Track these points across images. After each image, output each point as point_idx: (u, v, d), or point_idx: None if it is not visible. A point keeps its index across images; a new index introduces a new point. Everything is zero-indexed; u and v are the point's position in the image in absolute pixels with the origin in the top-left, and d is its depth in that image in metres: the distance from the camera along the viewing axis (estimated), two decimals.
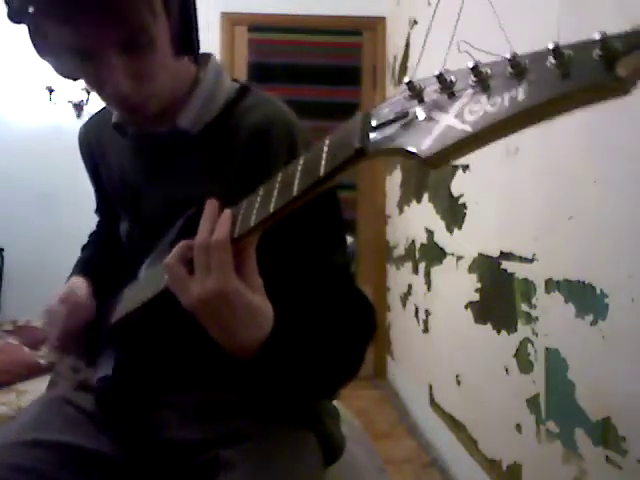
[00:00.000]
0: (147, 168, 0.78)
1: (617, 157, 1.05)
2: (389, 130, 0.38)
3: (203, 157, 0.74)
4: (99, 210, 0.99)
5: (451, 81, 0.35)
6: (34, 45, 0.68)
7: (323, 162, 0.43)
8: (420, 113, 0.37)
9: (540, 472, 1.33)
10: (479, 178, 1.75)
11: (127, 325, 0.72)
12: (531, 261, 1.37)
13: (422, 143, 0.35)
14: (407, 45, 2.69)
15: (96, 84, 0.65)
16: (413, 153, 0.36)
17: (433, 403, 2.20)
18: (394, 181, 2.97)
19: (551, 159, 1.28)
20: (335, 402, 0.87)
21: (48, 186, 3.03)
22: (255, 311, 0.54)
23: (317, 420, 0.76)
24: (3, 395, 1.82)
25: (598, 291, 1.08)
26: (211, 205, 0.54)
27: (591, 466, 1.11)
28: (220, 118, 0.75)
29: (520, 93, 0.31)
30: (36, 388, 1.73)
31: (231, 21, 3.08)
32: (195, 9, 0.70)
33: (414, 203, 2.55)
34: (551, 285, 1.26)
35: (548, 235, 1.29)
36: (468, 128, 0.33)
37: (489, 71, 0.33)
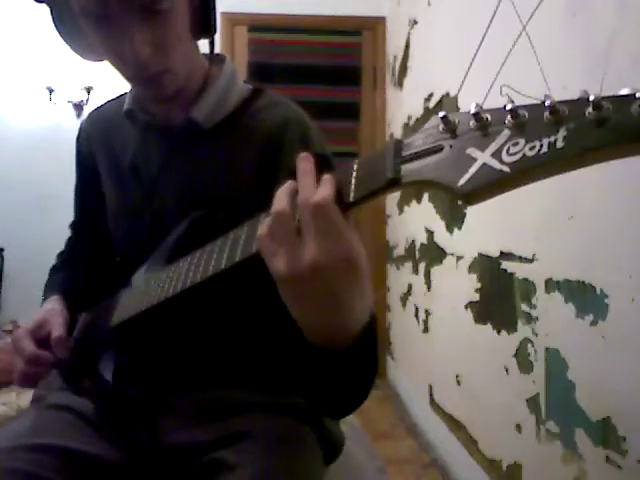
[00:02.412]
0: (159, 159, 0.78)
1: None
2: (422, 162, 0.39)
3: (216, 152, 0.75)
4: (76, 223, 0.96)
5: (487, 119, 0.36)
6: (55, 21, 0.70)
7: (352, 187, 0.43)
8: (454, 148, 0.37)
9: (540, 472, 1.33)
10: None
11: (126, 330, 0.72)
12: (531, 261, 1.37)
13: (459, 179, 0.36)
14: (407, 45, 2.69)
15: (116, 52, 0.66)
16: (450, 188, 0.36)
17: (433, 403, 2.20)
18: None
19: None
20: None
21: (48, 186, 3.03)
22: (366, 284, 0.47)
23: (316, 418, 0.76)
24: (3, 395, 1.82)
25: (598, 291, 1.08)
26: (308, 159, 0.47)
27: (591, 466, 1.11)
28: (234, 116, 0.76)
29: (559, 140, 0.32)
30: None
31: (231, 21, 3.08)
32: None
33: (414, 203, 2.55)
34: (551, 285, 1.26)
35: (548, 235, 1.29)
36: (506, 169, 0.33)
37: (527, 114, 0.34)
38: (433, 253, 2.22)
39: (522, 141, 0.33)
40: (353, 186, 0.43)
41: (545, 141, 0.32)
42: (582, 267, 1.15)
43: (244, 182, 0.72)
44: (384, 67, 3.17)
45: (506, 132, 0.35)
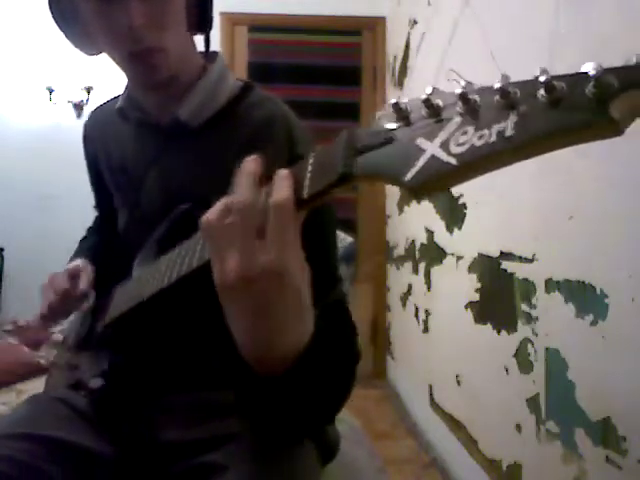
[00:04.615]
0: (147, 157, 0.79)
1: (617, 157, 1.05)
2: (374, 154, 0.36)
3: (202, 150, 0.75)
4: (97, 205, 0.99)
5: (438, 106, 0.33)
6: (53, 9, 0.71)
7: (307, 182, 0.41)
8: (405, 138, 0.35)
9: (540, 472, 1.33)
10: (479, 178, 1.75)
11: (120, 326, 0.72)
12: (531, 261, 1.37)
13: (407, 172, 0.33)
14: (407, 45, 2.69)
15: (112, 27, 0.67)
16: (397, 181, 0.34)
17: (433, 403, 2.20)
18: None
19: (551, 159, 1.28)
20: None
21: (48, 186, 3.03)
22: (303, 306, 0.43)
23: None
24: (3, 395, 1.82)
25: (598, 291, 1.08)
26: (254, 162, 0.44)
27: (591, 466, 1.10)
28: (222, 113, 0.76)
29: (509, 127, 0.29)
30: (36, 388, 1.72)
31: (231, 21, 3.08)
32: None
33: (414, 203, 2.55)
34: (551, 285, 1.26)
35: (548, 235, 1.29)
36: (453, 161, 0.31)
37: (477, 99, 0.32)
38: (433, 253, 2.22)
39: (471, 129, 0.31)
40: (308, 181, 0.40)
41: (494, 129, 0.30)
42: (582, 267, 1.15)
43: (229, 179, 0.71)
44: (384, 67, 3.17)
45: (457, 119, 0.32)
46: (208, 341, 0.74)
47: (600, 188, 1.09)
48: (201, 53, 0.79)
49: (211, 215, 0.42)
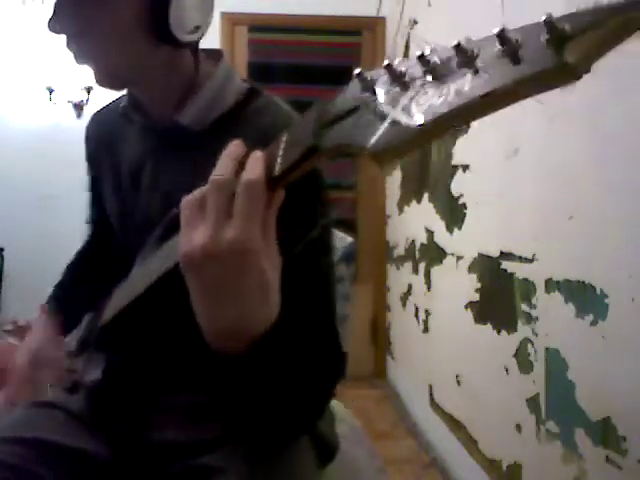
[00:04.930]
0: (148, 160, 0.78)
1: (617, 157, 1.05)
2: (341, 125, 0.37)
3: (205, 154, 0.74)
4: (91, 218, 0.97)
5: (401, 72, 0.34)
6: None
7: (279, 160, 0.41)
8: (370, 107, 0.35)
9: (540, 472, 1.33)
10: (479, 178, 1.75)
11: (116, 326, 0.72)
12: (531, 261, 1.37)
13: (370, 139, 0.33)
14: (407, 45, 2.69)
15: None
16: (362, 149, 0.34)
17: (433, 403, 2.20)
18: (394, 181, 2.97)
19: (551, 159, 1.28)
20: (332, 402, 0.86)
21: (48, 186, 3.03)
22: (268, 289, 0.43)
23: None
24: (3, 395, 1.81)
25: (598, 291, 1.08)
26: (237, 146, 0.45)
27: (591, 466, 1.11)
28: (227, 118, 0.74)
29: (467, 83, 0.29)
30: None
31: (231, 21, 3.08)
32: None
33: (414, 203, 2.55)
34: (551, 285, 1.26)
35: (548, 235, 1.29)
36: (413, 123, 0.31)
37: (437, 60, 0.32)
38: (433, 253, 2.22)
39: (432, 90, 0.31)
40: (279, 158, 0.41)
41: (453, 86, 0.30)
42: (582, 267, 1.15)
43: None
44: None
45: (418, 82, 0.32)
46: (203, 341, 0.74)
47: (600, 188, 1.09)
48: (204, 51, 0.77)
49: (191, 195, 0.44)
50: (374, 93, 0.35)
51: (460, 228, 1.91)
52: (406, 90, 0.33)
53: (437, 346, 2.19)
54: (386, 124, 0.33)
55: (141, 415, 0.75)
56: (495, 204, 1.61)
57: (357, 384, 2.76)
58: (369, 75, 0.36)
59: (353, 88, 0.37)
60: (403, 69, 0.34)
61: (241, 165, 0.43)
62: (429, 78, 0.32)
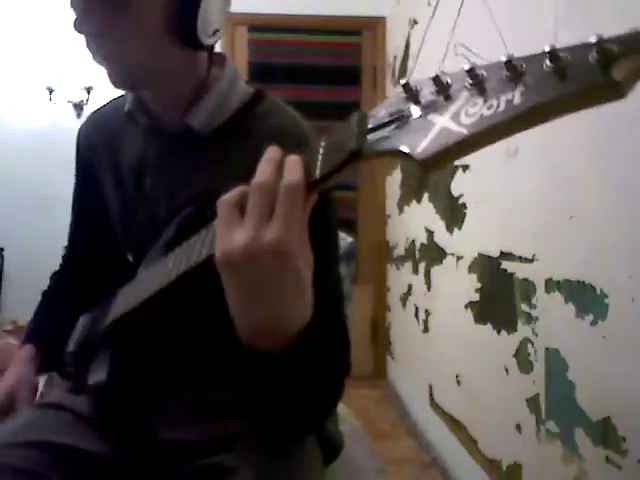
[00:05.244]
0: (154, 163, 0.77)
1: (617, 157, 1.05)
2: (385, 132, 0.38)
3: (212, 158, 0.74)
4: (74, 227, 0.95)
5: (447, 83, 0.35)
6: None
7: (319, 164, 0.42)
8: (415, 114, 0.37)
9: (540, 472, 1.33)
10: (479, 178, 1.75)
11: (122, 326, 0.72)
12: (531, 261, 1.37)
13: (417, 145, 0.35)
14: (407, 45, 2.69)
15: (79, 29, 0.65)
16: (408, 155, 0.35)
17: (433, 403, 2.20)
18: (394, 181, 2.97)
19: (551, 159, 1.28)
20: None
21: (48, 186, 3.03)
22: (303, 288, 0.44)
23: None
24: None
25: (598, 291, 1.08)
26: (275, 151, 0.45)
27: (591, 466, 1.11)
28: (232, 122, 0.74)
29: (516, 96, 0.31)
30: None
31: (231, 21, 3.08)
32: None
33: (414, 203, 2.55)
34: (551, 285, 1.26)
35: (548, 235, 1.29)
36: (464, 131, 0.33)
37: (485, 74, 0.34)
38: (433, 253, 2.22)
39: (480, 101, 0.33)
40: (319, 163, 0.42)
41: (503, 99, 0.32)
42: (582, 267, 1.15)
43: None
44: (384, 67, 3.17)
45: (465, 94, 0.34)
46: (211, 340, 0.74)
47: (600, 188, 1.09)
48: (203, 57, 0.77)
49: (228, 195, 0.44)
50: (418, 102, 0.37)
51: (460, 228, 1.91)
52: (453, 101, 0.35)
53: (437, 346, 2.19)
54: (435, 131, 0.34)
55: (148, 415, 0.75)
56: (495, 204, 1.61)
57: (357, 384, 2.76)
58: (414, 85, 0.37)
59: (397, 97, 0.39)
60: (449, 80, 0.35)
61: (278, 169, 0.44)
62: (477, 90, 0.34)
